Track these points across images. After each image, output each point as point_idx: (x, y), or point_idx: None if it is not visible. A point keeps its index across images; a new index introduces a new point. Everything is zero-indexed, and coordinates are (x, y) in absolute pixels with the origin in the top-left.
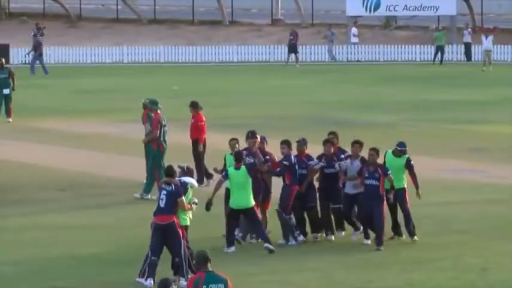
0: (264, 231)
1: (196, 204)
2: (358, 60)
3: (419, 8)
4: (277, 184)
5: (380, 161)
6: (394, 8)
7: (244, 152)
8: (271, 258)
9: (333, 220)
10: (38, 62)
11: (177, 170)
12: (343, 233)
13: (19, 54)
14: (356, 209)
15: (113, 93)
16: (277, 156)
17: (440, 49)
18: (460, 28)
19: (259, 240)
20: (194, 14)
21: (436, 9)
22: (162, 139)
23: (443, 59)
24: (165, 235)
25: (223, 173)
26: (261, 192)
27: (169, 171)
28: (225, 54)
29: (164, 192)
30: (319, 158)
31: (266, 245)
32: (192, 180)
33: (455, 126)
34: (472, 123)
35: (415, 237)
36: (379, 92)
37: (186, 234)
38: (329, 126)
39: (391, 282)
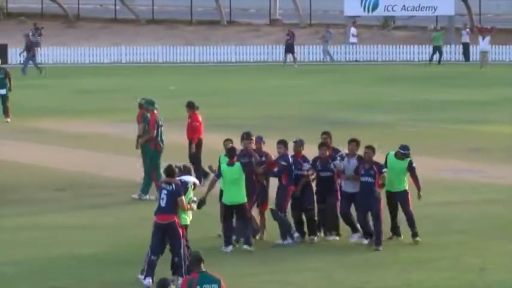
0: (250, 231)
1: (195, 203)
2: (356, 60)
3: (417, 8)
4: (274, 186)
5: (380, 161)
6: (392, 8)
7: (238, 152)
8: (270, 259)
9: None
10: (30, 62)
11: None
12: (338, 238)
13: (17, 55)
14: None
15: (111, 93)
16: (274, 156)
17: (438, 50)
18: (458, 28)
19: (241, 239)
20: (192, 14)
21: (434, 10)
22: (159, 139)
23: (442, 59)
24: (166, 234)
25: (216, 173)
26: (255, 193)
27: (170, 171)
28: (223, 55)
29: (165, 191)
30: (315, 161)
31: (245, 246)
32: (192, 179)
33: (454, 126)
34: (471, 123)
35: (418, 238)
36: (378, 92)
37: (185, 233)
38: (328, 127)
39: (390, 282)
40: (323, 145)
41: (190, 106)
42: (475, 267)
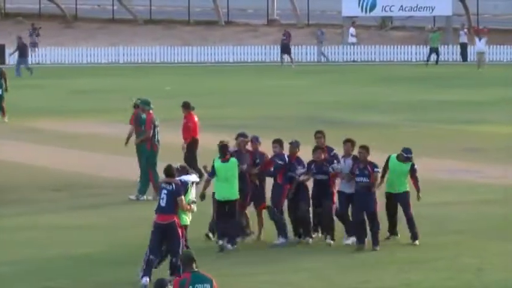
0: (234, 229)
1: (195, 203)
2: (354, 61)
3: (415, 9)
4: (269, 186)
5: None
6: (389, 9)
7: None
8: (268, 259)
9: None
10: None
11: None
12: (332, 242)
13: (15, 55)
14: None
15: (108, 94)
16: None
17: (435, 51)
18: (456, 28)
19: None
20: (190, 15)
21: (432, 10)
22: (155, 139)
23: (439, 59)
24: (165, 235)
25: (210, 172)
26: (249, 193)
27: (170, 171)
28: (221, 55)
29: (164, 191)
30: (310, 164)
31: (228, 245)
32: (191, 178)
33: (451, 126)
34: (468, 123)
35: (417, 241)
36: (375, 93)
37: (185, 233)
38: (325, 127)
39: (388, 282)
40: (317, 148)
41: (186, 106)
42: (472, 267)
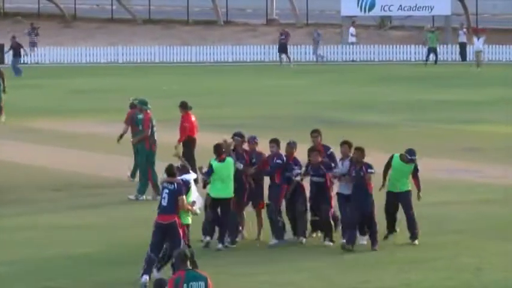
0: (226, 229)
1: (195, 203)
2: (353, 60)
3: (414, 8)
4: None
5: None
6: (388, 8)
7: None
8: (268, 259)
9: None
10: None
11: None
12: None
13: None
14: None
15: (107, 93)
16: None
17: (433, 51)
18: (455, 28)
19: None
20: (189, 14)
21: (431, 9)
22: (154, 138)
23: (438, 59)
24: (166, 234)
25: (207, 172)
26: (246, 193)
27: (171, 170)
28: (220, 54)
29: (166, 191)
30: (306, 166)
31: (219, 245)
32: (191, 176)
33: (450, 126)
34: (467, 123)
35: (416, 241)
36: (374, 92)
37: (187, 232)
38: (323, 126)
39: (388, 282)
40: (314, 150)
41: (183, 106)
42: (472, 267)
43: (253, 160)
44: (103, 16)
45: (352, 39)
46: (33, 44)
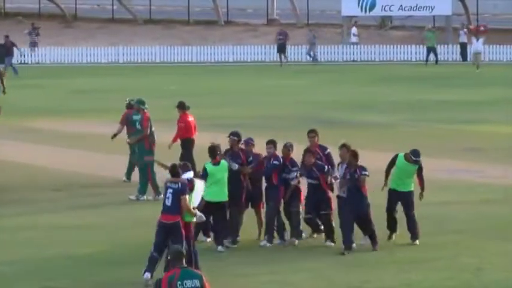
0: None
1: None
2: (353, 60)
3: (414, 8)
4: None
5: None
6: (389, 8)
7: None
8: (269, 259)
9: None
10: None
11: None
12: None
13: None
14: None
15: (108, 93)
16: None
17: (432, 50)
18: (456, 28)
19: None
20: (190, 14)
21: (432, 9)
22: (153, 138)
23: (438, 59)
24: (169, 234)
25: (201, 175)
26: (244, 193)
27: (175, 170)
28: (221, 54)
29: (170, 190)
30: (301, 168)
31: (219, 247)
32: (191, 174)
33: (450, 126)
34: (467, 123)
35: (417, 241)
36: (374, 92)
37: (192, 230)
38: (323, 127)
39: (388, 282)
40: (308, 151)
41: (181, 106)
42: (472, 267)
43: (250, 159)
44: (104, 16)
45: (354, 39)
46: (34, 44)
